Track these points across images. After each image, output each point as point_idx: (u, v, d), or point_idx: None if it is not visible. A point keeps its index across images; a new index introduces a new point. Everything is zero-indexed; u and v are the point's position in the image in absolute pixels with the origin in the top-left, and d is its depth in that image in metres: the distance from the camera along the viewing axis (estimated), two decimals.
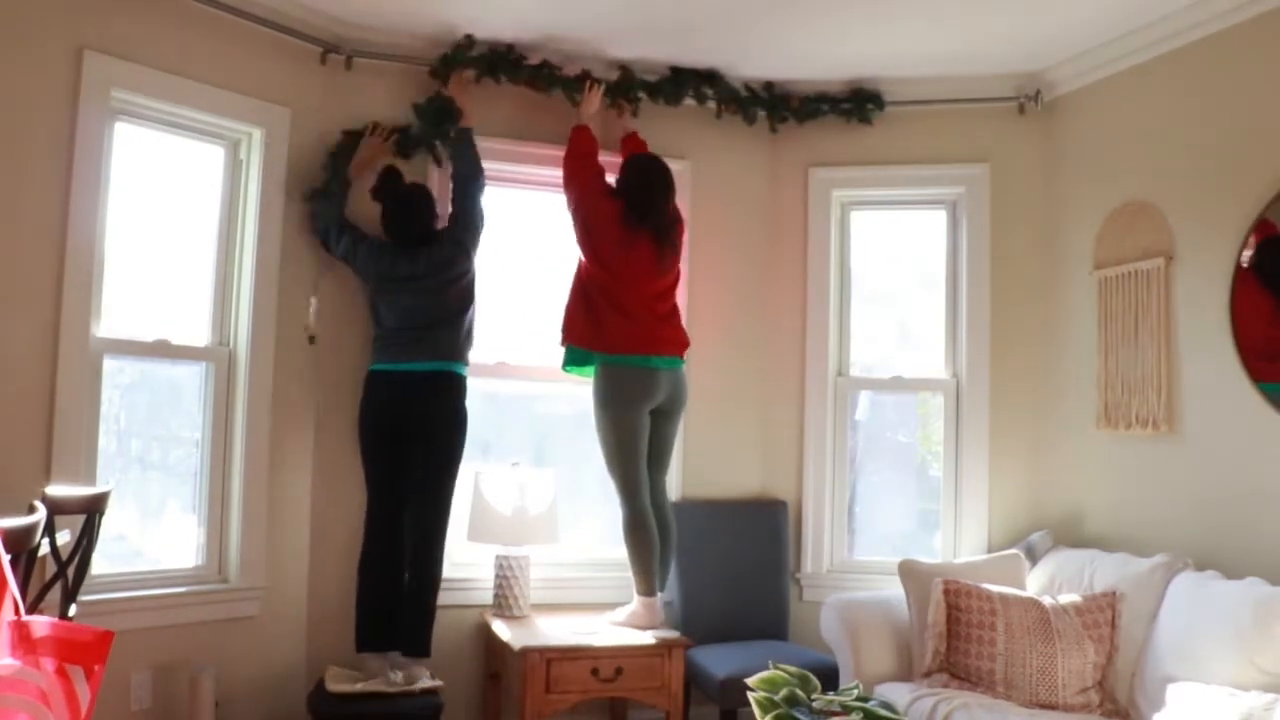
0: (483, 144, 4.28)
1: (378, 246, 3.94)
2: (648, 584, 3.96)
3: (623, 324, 3.98)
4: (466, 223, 4.02)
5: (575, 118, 4.28)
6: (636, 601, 3.97)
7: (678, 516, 4.39)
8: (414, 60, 4.18)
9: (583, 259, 4.09)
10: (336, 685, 3.61)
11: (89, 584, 3.10)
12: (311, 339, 4.02)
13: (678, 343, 4.12)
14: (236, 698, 3.79)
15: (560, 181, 4.19)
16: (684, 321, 4.46)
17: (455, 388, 3.93)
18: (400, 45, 4.17)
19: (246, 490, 3.84)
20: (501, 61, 4.20)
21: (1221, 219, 3.58)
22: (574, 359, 4.12)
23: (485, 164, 4.33)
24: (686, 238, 4.56)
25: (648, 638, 3.80)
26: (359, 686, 3.60)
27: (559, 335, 4.11)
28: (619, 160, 4.28)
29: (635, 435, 3.96)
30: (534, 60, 4.26)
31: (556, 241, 4.33)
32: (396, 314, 3.90)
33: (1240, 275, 3.52)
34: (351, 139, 4.08)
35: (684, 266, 4.55)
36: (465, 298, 4.01)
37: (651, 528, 3.97)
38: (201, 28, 3.72)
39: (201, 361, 3.87)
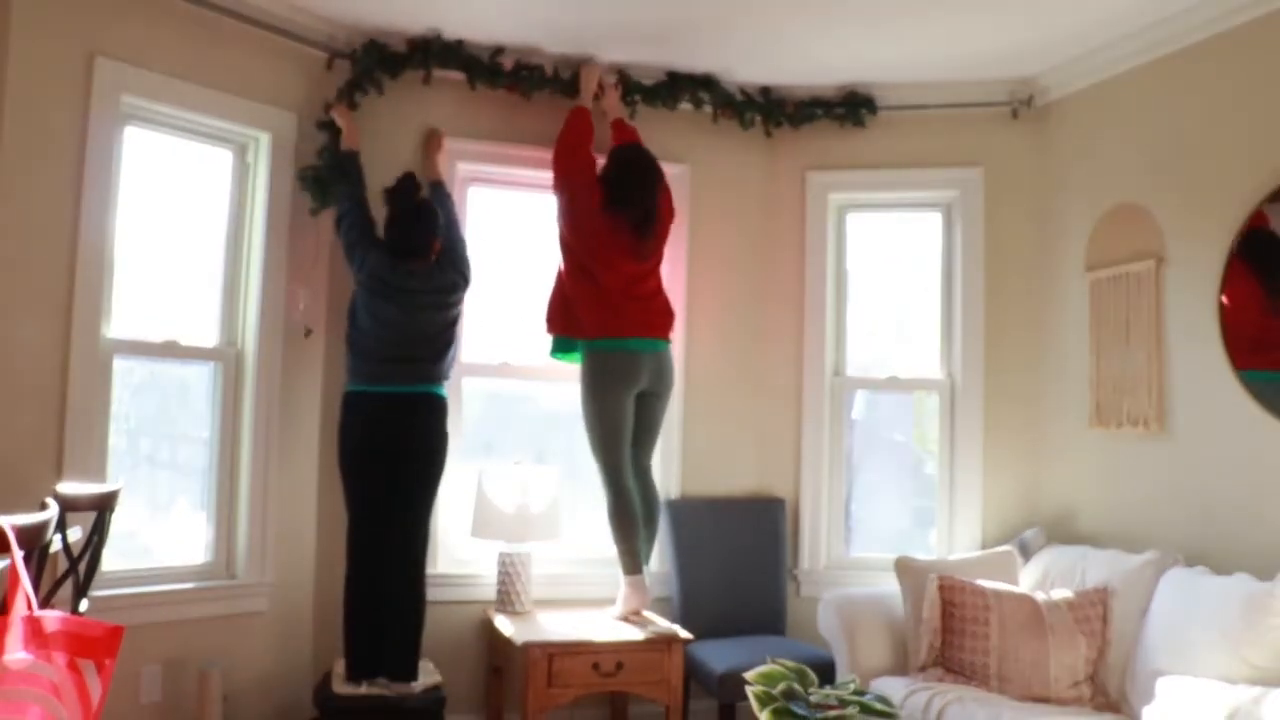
0: (470, 146, 4.33)
1: (383, 247, 3.87)
2: (633, 563, 4.01)
3: (600, 307, 4.01)
4: (460, 254, 4.03)
5: (598, 118, 4.36)
6: (624, 583, 4.02)
7: (677, 514, 4.45)
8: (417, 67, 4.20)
9: (563, 243, 4.12)
10: (343, 688, 3.64)
11: (99, 580, 3.11)
12: (307, 332, 4.02)
13: (660, 325, 4.14)
14: (244, 692, 3.82)
15: (550, 166, 4.20)
16: (682, 321, 4.49)
17: (441, 410, 3.90)
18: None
19: (254, 487, 3.87)
20: (479, 67, 4.23)
21: (1211, 221, 3.60)
22: (559, 346, 4.18)
23: (478, 166, 4.35)
24: (685, 239, 4.61)
25: (647, 633, 3.83)
26: (364, 688, 3.64)
27: (544, 325, 4.17)
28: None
29: (619, 418, 4.01)
30: (530, 63, 4.30)
31: (552, 241, 4.36)
32: (383, 326, 3.78)
33: (1231, 268, 3.54)
34: (329, 127, 4.05)
35: (683, 268, 4.60)
36: (454, 327, 3.97)
37: (634, 509, 4.01)
38: (210, 34, 3.76)
39: (210, 362, 3.90)
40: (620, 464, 4.03)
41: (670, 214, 4.28)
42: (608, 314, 4.02)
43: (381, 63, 4.12)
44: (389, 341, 3.80)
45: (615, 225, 4.03)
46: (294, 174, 4.00)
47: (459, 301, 3.98)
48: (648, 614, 4.08)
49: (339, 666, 3.79)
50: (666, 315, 4.20)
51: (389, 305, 3.80)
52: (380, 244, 3.87)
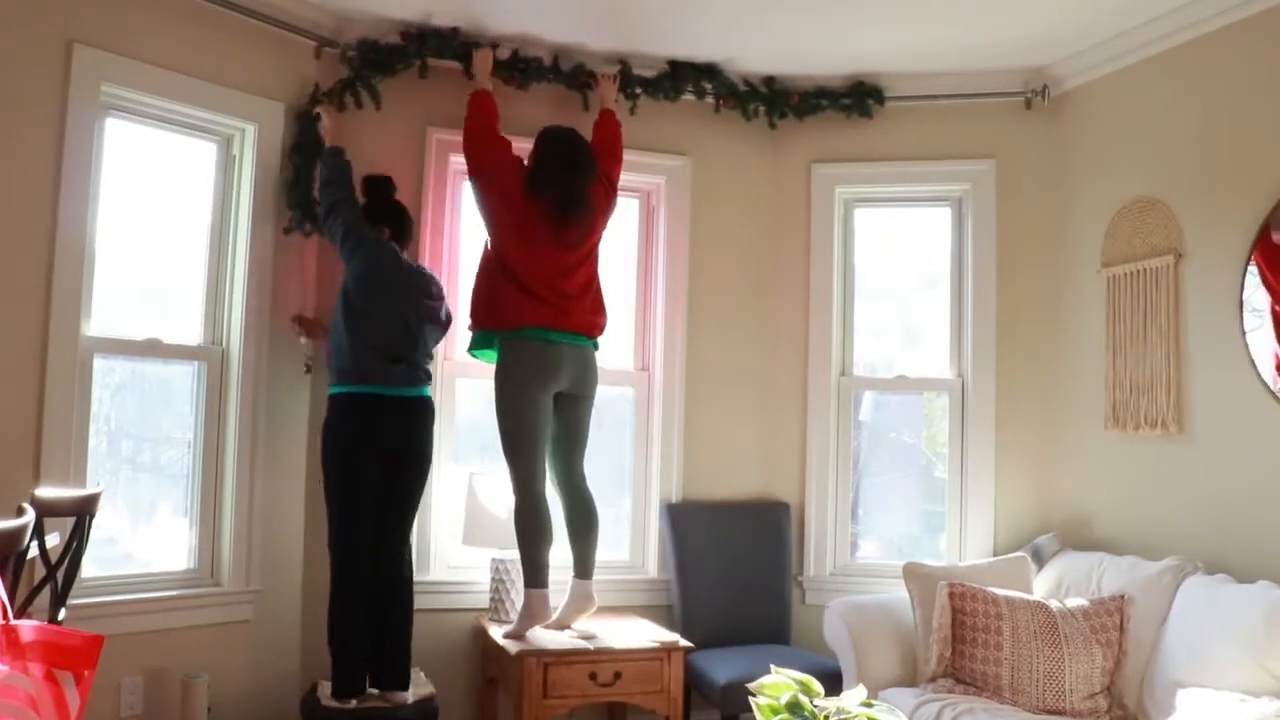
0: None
1: (376, 240, 3.75)
2: (536, 576, 3.74)
3: (521, 299, 3.78)
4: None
5: (594, 110, 4.27)
6: (524, 596, 3.76)
7: (677, 518, 4.38)
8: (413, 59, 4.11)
9: (487, 233, 3.92)
10: (331, 701, 3.56)
11: (79, 587, 3.04)
12: (308, 369, 3.98)
13: (586, 323, 3.90)
14: (229, 703, 3.75)
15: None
16: (683, 318, 4.47)
17: (433, 413, 3.82)
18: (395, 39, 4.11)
19: (239, 492, 3.79)
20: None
21: (1232, 215, 3.53)
22: (478, 342, 3.90)
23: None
24: (687, 234, 4.56)
25: (646, 641, 3.75)
26: (353, 704, 3.56)
27: (468, 321, 3.90)
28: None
29: (534, 417, 3.74)
30: (524, 55, 4.22)
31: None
32: (387, 320, 3.66)
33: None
34: (307, 120, 3.97)
35: (685, 264, 4.56)
36: (437, 331, 3.90)
37: (544, 518, 3.78)
38: (194, 21, 3.68)
39: (193, 361, 3.82)
40: (533, 469, 3.75)
41: (606, 203, 4.04)
42: (527, 305, 3.78)
43: (376, 64, 4.03)
44: (390, 338, 3.67)
45: (536, 211, 3.81)
46: (282, 185, 3.93)
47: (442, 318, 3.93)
48: (647, 622, 4.01)
49: (326, 681, 3.70)
50: (595, 313, 3.96)
51: (393, 297, 3.69)
52: (373, 237, 3.77)
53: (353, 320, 3.65)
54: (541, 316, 3.78)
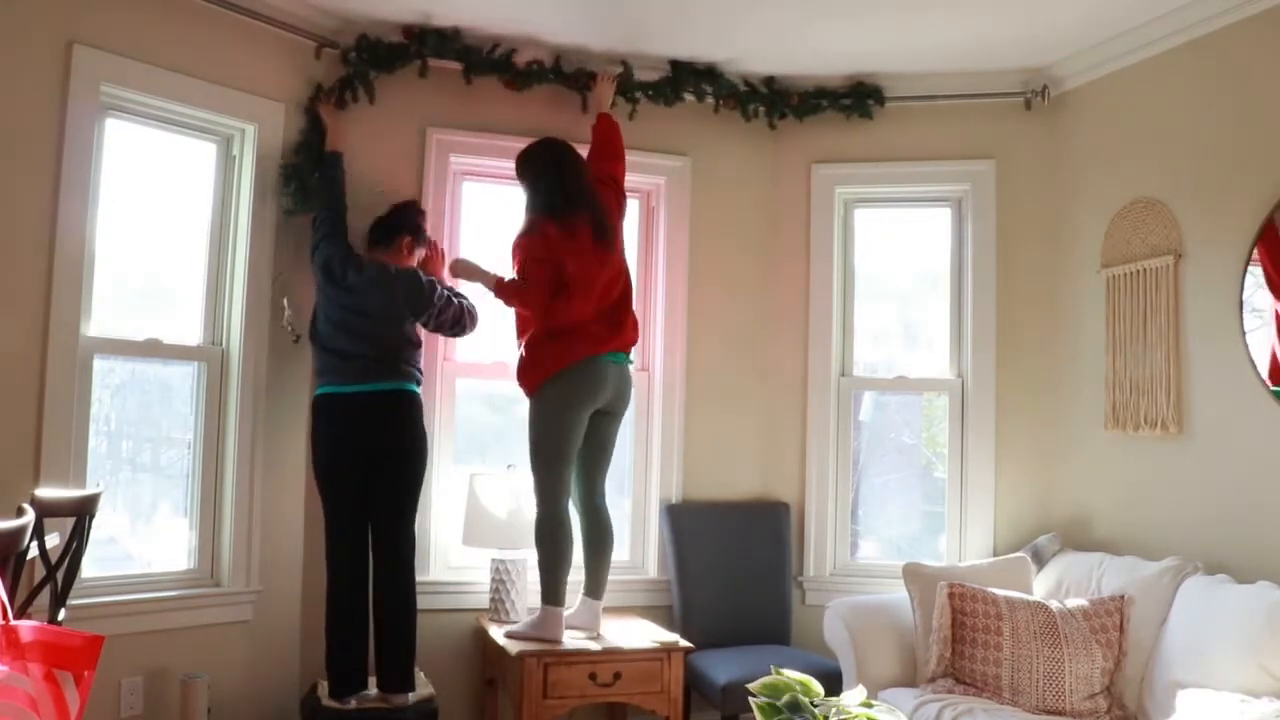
0: (463, 138, 4.23)
1: (348, 247, 3.78)
2: (555, 593, 3.71)
3: (585, 335, 3.72)
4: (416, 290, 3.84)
5: (592, 113, 4.24)
6: (540, 611, 3.73)
7: (677, 519, 4.37)
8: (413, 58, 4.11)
9: (529, 289, 3.75)
10: (330, 701, 3.56)
11: (79, 588, 3.03)
12: (296, 338, 3.95)
13: (630, 339, 3.89)
14: (229, 704, 3.74)
15: None
16: (683, 320, 4.47)
17: (414, 407, 3.77)
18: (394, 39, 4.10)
19: (239, 492, 3.78)
20: (477, 59, 4.15)
21: (1232, 216, 3.52)
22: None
23: (471, 159, 4.27)
24: (686, 235, 4.56)
25: (646, 641, 3.74)
26: (353, 704, 3.56)
27: (524, 388, 3.80)
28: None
29: (571, 434, 3.73)
30: (525, 56, 4.22)
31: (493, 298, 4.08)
32: (341, 322, 3.68)
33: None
34: (313, 119, 3.99)
35: (684, 265, 4.55)
36: (412, 331, 3.82)
37: (567, 534, 3.76)
38: (193, 21, 3.67)
39: (193, 361, 3.82)
40: (562, 484, 3.75)
41: (619, 206, 4.00)
42: (580, 337, 3.73)
43: (374, 61, 4.02)
44: (349, 339, 3.69)
45: (576, 233, 3.75)
46: (279, 167, 3.92)
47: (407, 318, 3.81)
48: (647, 622, 4.00)
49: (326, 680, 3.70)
50: (635, 328, 3.93)
51: (344, 300, 3.70)
52: (340, 240, 3.78)
53: (317, 324, 3.77)
54: (595, 343, 3.74)
